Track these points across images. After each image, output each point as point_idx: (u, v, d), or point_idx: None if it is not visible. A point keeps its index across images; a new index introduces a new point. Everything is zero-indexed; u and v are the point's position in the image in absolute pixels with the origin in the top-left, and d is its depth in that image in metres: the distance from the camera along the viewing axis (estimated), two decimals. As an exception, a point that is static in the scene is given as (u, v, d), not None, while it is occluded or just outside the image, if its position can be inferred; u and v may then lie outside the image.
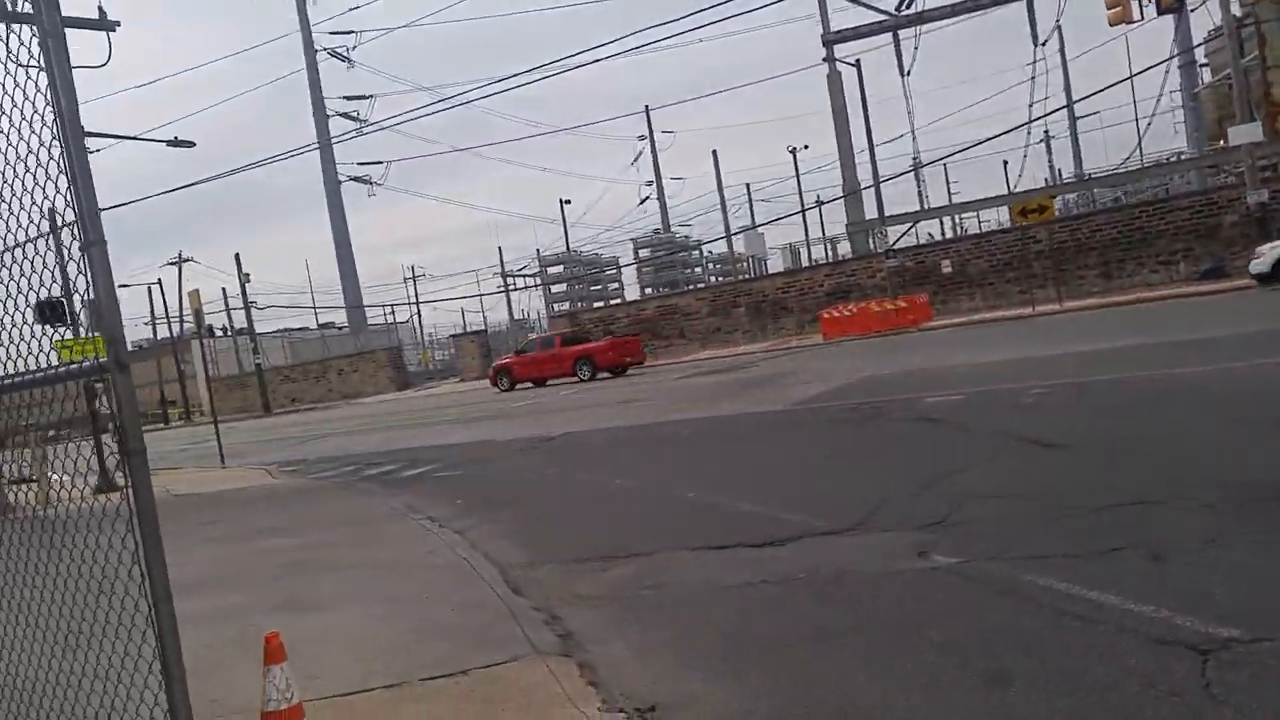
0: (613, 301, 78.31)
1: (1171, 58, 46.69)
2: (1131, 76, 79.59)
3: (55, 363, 3.04)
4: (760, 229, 68.91)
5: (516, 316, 76.79)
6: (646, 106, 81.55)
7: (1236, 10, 34.43)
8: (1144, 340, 16.01)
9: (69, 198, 2.52)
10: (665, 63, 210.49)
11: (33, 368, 3.09)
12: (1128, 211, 35.66)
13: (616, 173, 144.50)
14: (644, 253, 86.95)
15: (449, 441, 17.24)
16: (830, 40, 40.99)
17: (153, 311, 64.40)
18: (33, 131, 2.74)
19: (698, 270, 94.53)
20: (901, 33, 41.00)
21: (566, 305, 75.50)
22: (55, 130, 2.53)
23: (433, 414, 26.78)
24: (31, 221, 3.08)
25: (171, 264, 58.21)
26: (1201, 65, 50.25)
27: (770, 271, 62.84)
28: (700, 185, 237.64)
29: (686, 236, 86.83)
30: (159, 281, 64.78)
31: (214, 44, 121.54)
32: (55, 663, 3.07)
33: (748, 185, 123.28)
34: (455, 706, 4.30)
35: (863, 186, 42.30)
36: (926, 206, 55.81)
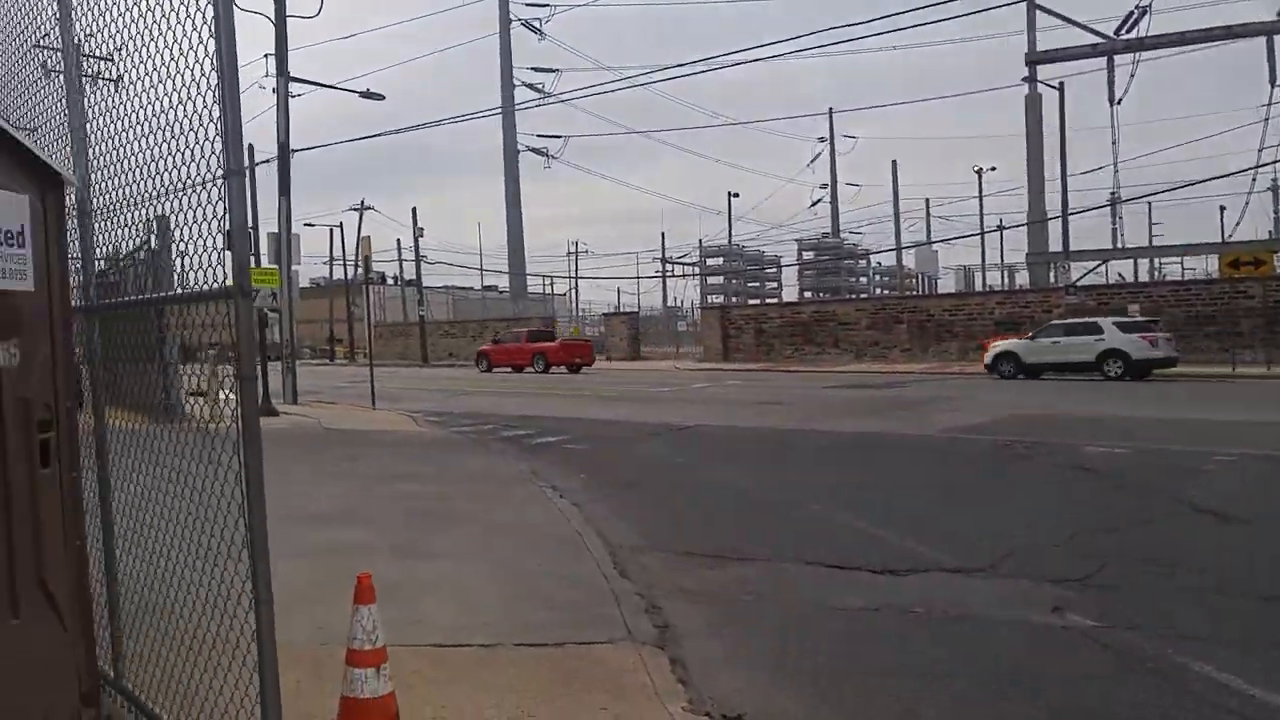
0: (769, 300, 77.55)
1: None
2: (1381, 128, 71.45)
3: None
4: (934, 246, 66.54)
5: (670, 303, 77.30)
6: (830, 108, 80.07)
7: None
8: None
9: (219, 126, 2.59)
10: (851, 66, 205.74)
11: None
12: (1360, 275, 31.98)
13: (789, 172, 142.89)
14: (808, 255, 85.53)
15: (584, 416, 17.48)
16: (1035, 60, 38.68)
17: (330, 252, 68.55)
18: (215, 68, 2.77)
19: (862, 280, 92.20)
20: (1117, 58, 38.32)
21: (721, 298, 75.29)
22: (214, 61, 2.59)
23: (581, 387, 27.25)
24: (213, 153, 3.20)
25: (353, 209, 61.33)
26: None
27: (939, 291, 60.53)
28: (874, 195, 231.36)
29: (855, 244, 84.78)
30: (340, 225, 68.88)
31: (413, 3, 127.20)
32: (185, 571, 3.21)
33: (926, 200, 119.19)
34: (543, 678, 4.29)
35: (1050, 216, 39.89)
36: (1121, 245, 52.13)
